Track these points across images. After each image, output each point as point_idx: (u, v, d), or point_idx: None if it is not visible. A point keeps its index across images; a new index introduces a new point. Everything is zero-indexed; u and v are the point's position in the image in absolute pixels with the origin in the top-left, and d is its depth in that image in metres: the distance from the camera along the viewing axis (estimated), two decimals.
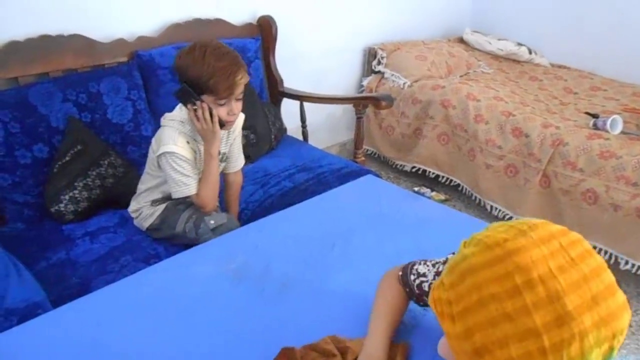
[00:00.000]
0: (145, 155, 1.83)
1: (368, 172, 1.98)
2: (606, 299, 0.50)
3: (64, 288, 1.34)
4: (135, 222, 1.61)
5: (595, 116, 2.27)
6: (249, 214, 1.75)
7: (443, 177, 2.71)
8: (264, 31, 2.27)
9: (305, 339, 0.98)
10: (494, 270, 0.52)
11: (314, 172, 1.98)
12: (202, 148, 1.49)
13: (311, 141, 2.48)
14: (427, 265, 0.96)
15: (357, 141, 2.17)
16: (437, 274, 0.92)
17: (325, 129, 2.98)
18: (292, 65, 2.53)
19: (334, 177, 1.94)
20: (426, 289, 0.92)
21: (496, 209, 2.44)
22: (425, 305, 0.97)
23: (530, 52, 3.24)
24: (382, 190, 1.66)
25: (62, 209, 1.59)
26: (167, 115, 1.50)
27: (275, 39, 2.30)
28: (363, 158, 2.21)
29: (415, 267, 0.98)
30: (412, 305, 1.02)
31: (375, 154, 3.07)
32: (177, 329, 1.02)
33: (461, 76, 2.94)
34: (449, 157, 2.63)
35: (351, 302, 1.10)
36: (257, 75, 2.23)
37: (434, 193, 2.74)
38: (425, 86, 2.71)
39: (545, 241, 0.52)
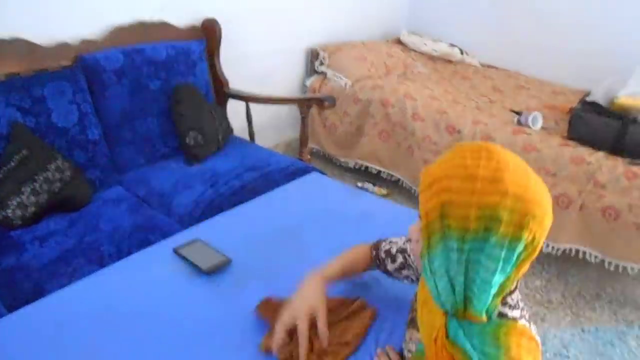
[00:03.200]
0: (92, 160, 1.85)
1: (313, 169, 2.08)
2: (534, 192, 0.68)
3: (17, 293, 1.34)
4: None
5: (518, 113, 2.48)
6: (199, 213, 1.80)
7: (384, 172, 2.85)
8: (208, 33, 2.32)
9: (263, 330, 1.06)
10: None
11: (261, 171, 2.05)
12: None
13: (257, 140, 2.55)
14: (401, 238, 1.12)
15: (302, 140, 2.26)
16: (408, 240, 1.08)
17: (270, 128, 3.06)
18: (237, 66, 2.58)
19: (281, 176, 2.02)
20: (393, 252, 1.09)
21: None
22: (387, 273, 1.12)
23: (462, 53, 3.46)
24: (327, 187, 1.77)
25: (10, 214, 1.58)
26: None
27: (219, 41, 2.35)
28: (309, 156, 2.30)
29: (389, 238, 1.13)
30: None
31: (320, 151, 3.17)
32: (135, 329, 1.07)
33: (399, 76, 3.10)
34: (389, 153, 2.78)
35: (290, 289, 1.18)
36: (202, 77, 2.27)
37: (376, 188, 2.88)
38: (365, 86, 2.84)
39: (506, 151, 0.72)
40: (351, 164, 2.96)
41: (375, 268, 1.16)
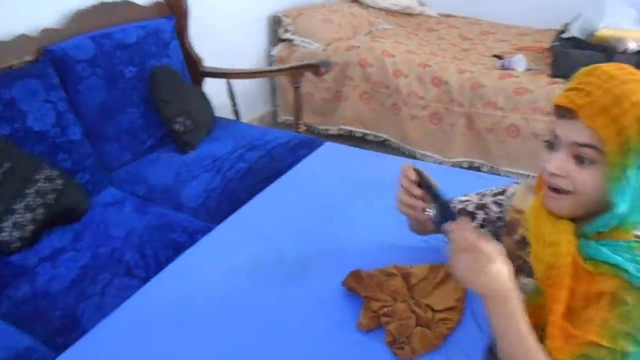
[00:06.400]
0: (78, 163, 1.65)
1: (316, 140, 1.98)
2: None
3: (46, 325, 1.18)
4: None
5: (500, 57, 2.48)
6: (215, 202, 1.66)
7: (370, 134, 2.79)
8: (175, 9, 2.11)
9: (354, 306, 0.99)
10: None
11: (263, 149, 1.92)
12: None
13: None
14: (472, 195, 1.05)
15: (297, 112, 2.14)
16: (483, 196, 1.02)
17: (242, 105, 2.88)
18: (201, 42, 2.38)
19: (286, 150, 1.91)
20: (470, 209, 1.02)
21: (426, 155, 2.58)
22: None
23: (420, 4, 3.40)
24: (348, 156, 1.69)
25: (7, 238, 1.37)
26: None
27: (186, 16, 2.15)
28: (304, 127, 2.19)
29: (457, 198, 1.06)
30: None
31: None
32: (211, 333, 0.98)
33: (366, 35, 3.00)
34: (373, 114, 2.71)
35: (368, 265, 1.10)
36: (176, 57, 2.07)
37: None
38: (339, 48, 2.73)
39: None
40: (334, 131, 2.87)
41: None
